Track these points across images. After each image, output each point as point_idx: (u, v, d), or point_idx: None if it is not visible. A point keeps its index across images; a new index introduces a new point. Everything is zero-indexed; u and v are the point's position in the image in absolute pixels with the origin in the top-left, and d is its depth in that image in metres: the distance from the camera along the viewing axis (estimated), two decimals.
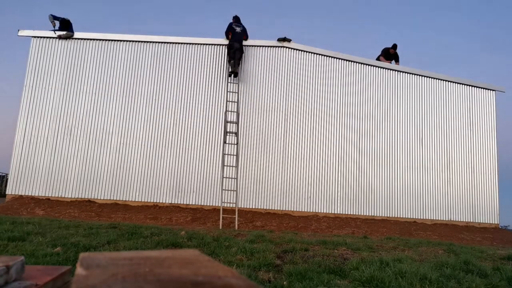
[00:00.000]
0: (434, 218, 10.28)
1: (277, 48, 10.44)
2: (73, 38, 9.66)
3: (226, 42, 10.05)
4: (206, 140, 9.65)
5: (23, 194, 8.91)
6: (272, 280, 3.24)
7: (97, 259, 0.64)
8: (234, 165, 9.15)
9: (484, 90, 11.39)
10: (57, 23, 9.67)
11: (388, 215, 10.04)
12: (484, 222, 10.54)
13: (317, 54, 10.56)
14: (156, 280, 0.51)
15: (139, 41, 9.89)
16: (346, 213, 9.84)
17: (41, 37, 9.56)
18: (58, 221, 5.98)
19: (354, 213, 9.88)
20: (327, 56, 10.60)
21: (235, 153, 9.21)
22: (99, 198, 9.06)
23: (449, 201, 10.49)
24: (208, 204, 9.29)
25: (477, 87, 11.35)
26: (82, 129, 9.33)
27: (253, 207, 9.48)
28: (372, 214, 9.95)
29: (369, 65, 10.83)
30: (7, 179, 12.98)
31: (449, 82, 11.20)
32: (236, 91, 9.82)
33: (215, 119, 9.75)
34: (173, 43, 9.99)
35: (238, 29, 9.91)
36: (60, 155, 9.16)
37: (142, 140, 9.46)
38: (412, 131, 10.68)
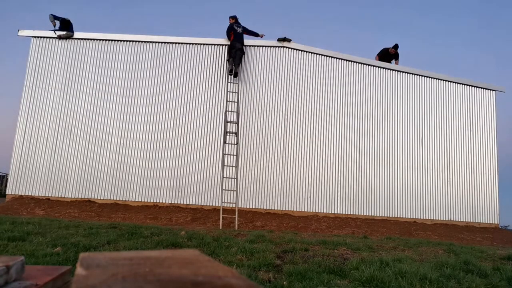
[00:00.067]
0: (434, 218, 10.28)
1: (277, 48, 10.44)
2: (73, 38, 9.66)
3: (226, 42, 10.05)
4: (206, 140, 9.65)
5: (23, 194, 8.91)
6: (272, 280, 3.24)
7: (97, 259, 0.64)
8: (234, 165, 9.15)
9: (484, 90, 11.39)
10: (58, 23, 9.67)
11: (388, 215, 10.04)
12: (484, 222, 10.54)
13: (317, 54, 10.57)
14: (156, 280, 0.51)
15: (139, 41, 9.89)
16: (346, 213, 9.84)
17: (41, 37, 9.57)
18: (58, 221, 5.98)
19: (354, 213, 9.88)
20: (327, 56, 10.60)
21: (235, 153, 9.22)
22: (99, 198, 9.06)
23: (449, 201, 10.49)
24: (208, 204, 9.29)
25: (477, 87, 11.35)
26: (82, 129, 9.33)
27: (253, 207, 9.48)
28: (372, 214, 9.95)
29: (369, 65, 10.84)
30: (7, 179, 12.98)
31: (449, 82, 11.21)
32: (236, 91, 9.82)
33: (215, 119, 9.75)
34: (173, 43, 9.99)
35: (239, 30, 9.91)
36: (60, 155, 9.16)
37: (142, 140, 9.46)
38: (412, 131, 10.68)
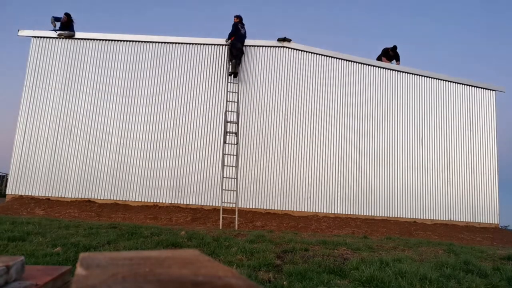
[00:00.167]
0: (434, 218, 10.28)
1: (277, 48, 10.44)
2: (73, 38, 9.66)
3: (226, 42, 10.05)
4: (206, 140, 9.65)
5: (23, 194, 8.91)
6: (272, 280, 3.24)
7: (97, 259, 0.64)
8: (234, 165, 9.15)
9: (484, 90, 11.39)
10: (58, 24, 9.70)
11: (388, 215, 10.04)
12: (484, 222, 10.54)
13: (317, 54, 10.57)
14: (156, 280, 0.51)
15: (139, 41, 9.89)
16: (346, 213, 9.84)
17: (41, 37, 9.57)
18: (58, 221, 5.98)
19: (354, 213, 9.88)
20: (327, 56, 10.60)
21: (235, 153, 9.22)
22: (99, 198, 9.06)
23: (449, 201, 10.49)
24: (208, 204, 9.29)
25: (477, 87, 11.35)
26: (82, 129, 9.33)
27: (253, 207, 9.48)
28: (372, 214, 9.95)
29: (369, 65, 10.84)
30: (7, 179, 12.98)
31: (449, 82, 11.21)
32: (236, 91, 9.82)
33: (215, 119, 9.75)
34: (173, 43, 9.99)
35: (242, 31, 9.93)
36: (60, 155, 9.16)
37: (142, 140, 9.46)
38: (412, 131, 10.68)
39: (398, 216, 10.09)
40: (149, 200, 9.19)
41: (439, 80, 11.15)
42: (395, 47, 11.30)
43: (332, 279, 3.30)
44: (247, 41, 10.12)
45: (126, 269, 0.56)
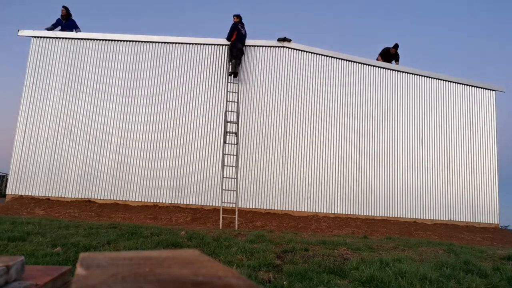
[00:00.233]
0: (434, 218, 10.28)
1: (277, 48, 10.44)
2: (73, 38, 9.66)
3: (226, 42, 10.05)
4: (206, 140, 9.65)
5: (23, 194, 8.91)
6: (272, 280, 3.24)
7: (97, 259, 0.64)
8: (234, 165, 9.15)
9: (484, 90, 11.40)
10: (58, 27, 9.89)
11: (388, 215, 10.04)
12: (484, 222, 10.55)
13: (317, 54, 10.57)
14: (156, 280, 0.51)
15: (139, 41, 9.89)
16: (346, 213, 9.84)
17: (41, 37, 9.57)
18: (58, 221, 5.98)
19: (354, 213, 9.88)
20: (327, 56, 10.60)
21: (235, 153, 9.22)
22: (99, 198, 9.06)
23: (449, 201, 10.49)
24: (208, 204, 9.29)
25: (477, 87, 11.35)
26: (82, 129, 9.33)
27: (253, 207, 9.48)
28: (372, 214, 9.95)
29: (369, 65, 10.84)
30: (7, 179, 12.98)
31: (449, 82, 11.21)
32: (236, 91, 9.83)
33: (215, 119, 9.75)
34: (173, 43, 9.99)
35: (243, 31, 9.92)
36: (60, 155, 9.16)
37: (142, 140, 9.46)
38: (412, 131, 10.68)
39: (398, 216, 10.09)
40: (149, 200, 9.19)
41: (439, 80, 11.16)
42: (396, 45, 11.29)
43: (332, 279, 3.30)
44: (247, 41, 10.12)
45: (126, 269, 0.56)
